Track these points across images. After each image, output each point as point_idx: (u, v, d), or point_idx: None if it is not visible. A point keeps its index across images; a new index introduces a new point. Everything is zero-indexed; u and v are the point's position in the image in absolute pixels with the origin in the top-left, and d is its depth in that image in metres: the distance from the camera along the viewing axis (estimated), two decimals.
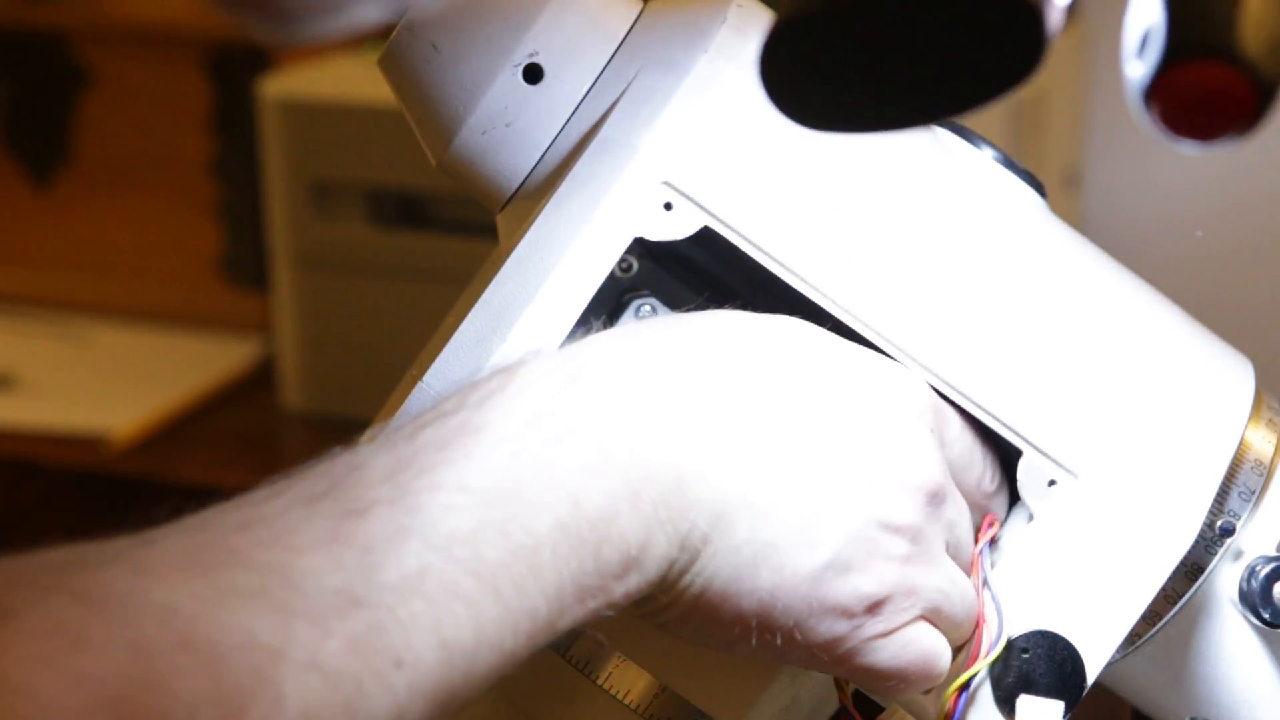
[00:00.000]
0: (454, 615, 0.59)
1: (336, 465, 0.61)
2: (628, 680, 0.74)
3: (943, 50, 0.47)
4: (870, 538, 0.68)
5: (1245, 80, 0.45)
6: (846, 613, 0.68)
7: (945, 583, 0.70)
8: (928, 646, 0.70)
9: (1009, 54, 0.47)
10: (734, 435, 0.67)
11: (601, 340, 0.68)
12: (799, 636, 0.68)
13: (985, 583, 0.72)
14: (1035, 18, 0.46)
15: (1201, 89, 0.46)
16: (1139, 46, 0.47)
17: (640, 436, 0.65)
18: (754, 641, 0.68)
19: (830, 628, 0.68)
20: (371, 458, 0.62)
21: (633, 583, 0.64)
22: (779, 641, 0.68)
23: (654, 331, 0.69)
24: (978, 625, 0.72)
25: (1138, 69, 0.46)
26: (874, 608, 0.68)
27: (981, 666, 0.71)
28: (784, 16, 0.48)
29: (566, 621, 0.63)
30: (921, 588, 0.69)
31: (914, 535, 0.68)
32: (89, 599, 0.53)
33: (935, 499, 0.69)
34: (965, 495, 0.72)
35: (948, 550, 0.71)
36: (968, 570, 0.72)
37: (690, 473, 0.65)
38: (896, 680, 0.70)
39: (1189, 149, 0.47)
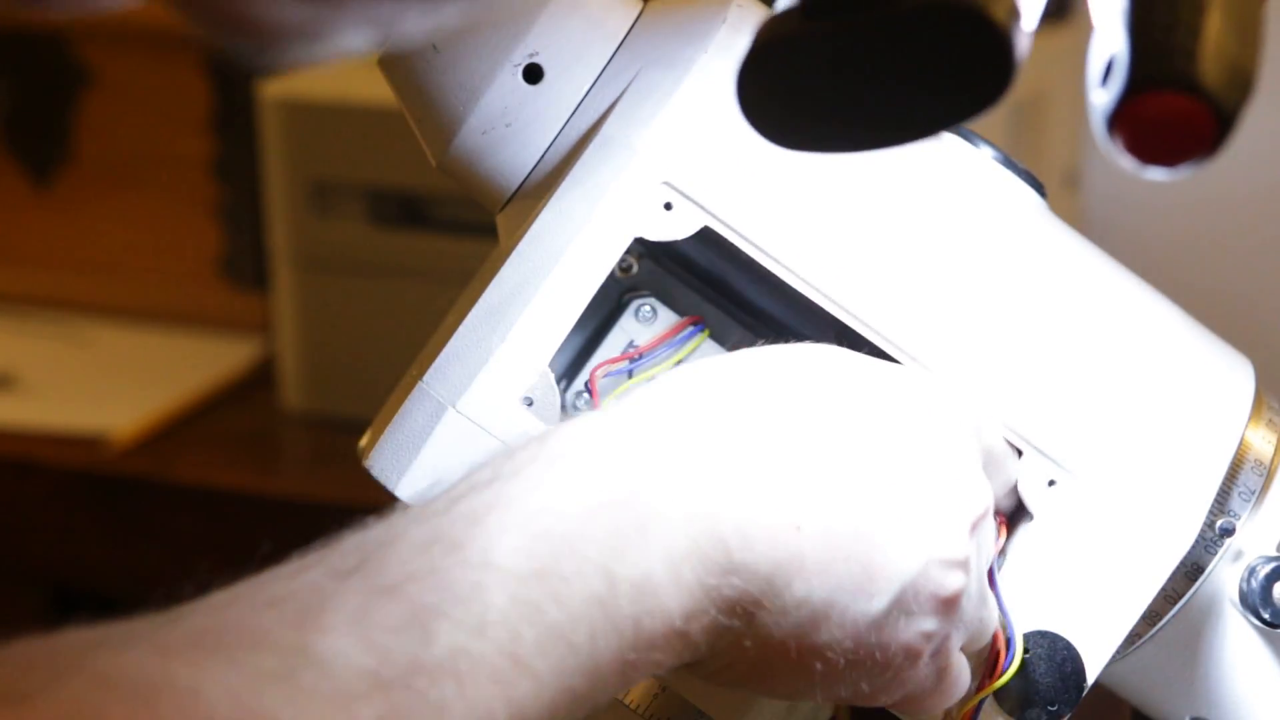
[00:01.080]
0: (487, 697, 0.57)
1: (368, 538, 0.60)
2: None
3: (913, 74, 0.48)
4: (930, 576, 0.66)
5: (1206, 110, 0.47)
6: (911, 655, 0.66)
7: (985, 610, 0.69)
8: (959, 672, 0.69)
9: (978, 77, 0.48)
10: (778, 493, 0.65)
11: (633, 405, 0.66)
12: (865, 686, 0.66)
13: (999, 599, 0.72)
14: (1003, 43, 0.47)
15: (1163, 119, 0.47)
16: (1103, 75, 0.48)
17: (678, 506, 0.63)
18: (819, 694, 0.66)
19: (896, 671, 0.66)
20: (404, 531, 0.60)
21: (678, 651, 0.62)
22: (844, 691, 0.66)
23: (679, 393, 0.67)
24: (994, 643, 0.71)
25: (1102, 97, 0.48)
26: (938, 650, 0.67)
27: (997, 686, 0.71)
28: (758, 40, 0.49)
29: (608, 694, 0.61)
30: (969, 619, 0.68)
31: (966, 566, 0.67)
32: (108, 682, 0.52)
33: (982, 523, 0.68)
34: (998, 486, 0.71)
35: (989, 554, 0.69)
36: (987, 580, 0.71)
37: (735, 539, 0.63)
38: (931, 706, 0.69)
39: (1154, 175, 0.48)
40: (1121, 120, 0.47)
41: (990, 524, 0.69)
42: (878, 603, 0.65)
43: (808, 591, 0.64)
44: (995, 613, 0.71)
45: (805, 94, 0.50)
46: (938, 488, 0.67)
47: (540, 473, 0.62)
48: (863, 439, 0.67)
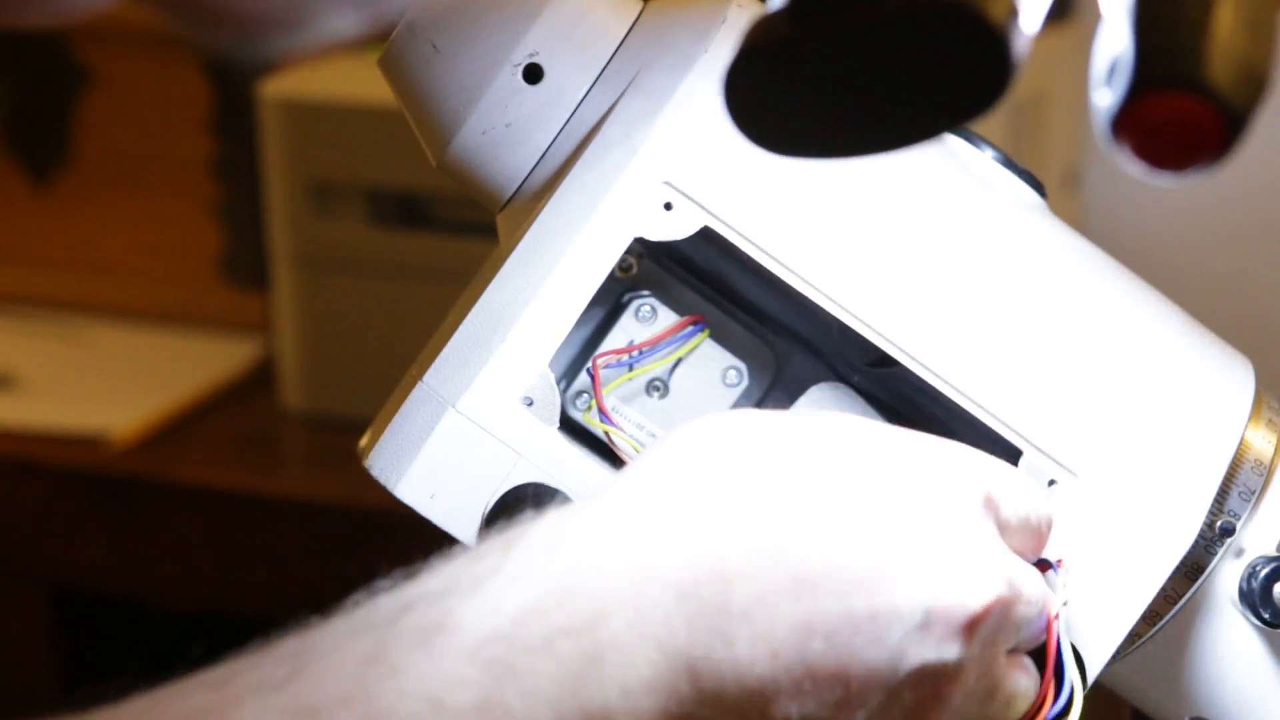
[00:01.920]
0: None
1: (305, 644, 0.57)
2: None
3: (909, 77, 0.46)
4: (915, 684, 0.63)
5: (1214, 112, 0.45)
6: None
7: (992, 701, 0.66)
8: None
9: (974, 81, 0.46)
10: (752, 619, 0.61)
11: (596, 516, 0.63)
12: None
13: (1059, 651, 0.69)
14: (1001, 44, 0.45)
15: (1170, 121, 0.45)
16: (1107, 75, 0.46)
17: (639, 640, 0.60)
18: None
19: None
20: (344, 641, 0.57)
21: None
22: None
23: (643, 505, 0.63)
24: (1043, 691, 0.69)
25: (1105, 98, 0.46)
26: None
27: None
28: (745, 44, 0.47)
29: None
30: (962, 712, 0.64)
31: (958, 669, 0.64)
32: None
33: (987, 622, 0.64)
34: (1033, 552, 0.68)
35: (1019, 637, 0.66)
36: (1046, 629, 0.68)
37: (703, 666, 0.60)
38: None
39: (1160, 181, 0.46)
40: (1125, 123, 0.45)
41: (1026, 598, 0.66)
42: (860, 715, 0.62)
43: (785, 714, 0.61)
44: (1028, 691, 0.68)
45: (794, 99, 0.48)
46: (921, 596, 0.63)
47: (498, 592, 0.59)
48: (841, 551, 0.63)
